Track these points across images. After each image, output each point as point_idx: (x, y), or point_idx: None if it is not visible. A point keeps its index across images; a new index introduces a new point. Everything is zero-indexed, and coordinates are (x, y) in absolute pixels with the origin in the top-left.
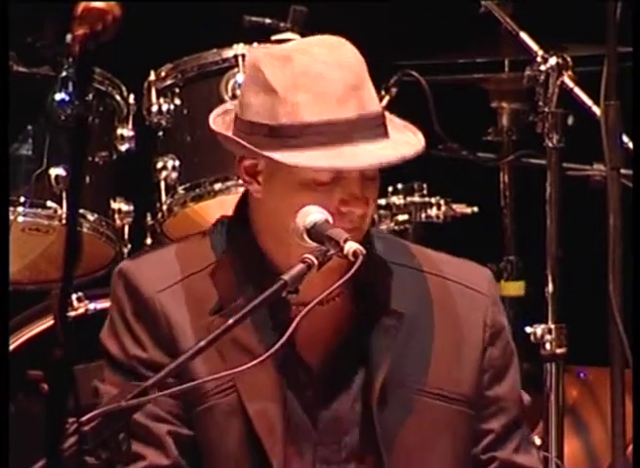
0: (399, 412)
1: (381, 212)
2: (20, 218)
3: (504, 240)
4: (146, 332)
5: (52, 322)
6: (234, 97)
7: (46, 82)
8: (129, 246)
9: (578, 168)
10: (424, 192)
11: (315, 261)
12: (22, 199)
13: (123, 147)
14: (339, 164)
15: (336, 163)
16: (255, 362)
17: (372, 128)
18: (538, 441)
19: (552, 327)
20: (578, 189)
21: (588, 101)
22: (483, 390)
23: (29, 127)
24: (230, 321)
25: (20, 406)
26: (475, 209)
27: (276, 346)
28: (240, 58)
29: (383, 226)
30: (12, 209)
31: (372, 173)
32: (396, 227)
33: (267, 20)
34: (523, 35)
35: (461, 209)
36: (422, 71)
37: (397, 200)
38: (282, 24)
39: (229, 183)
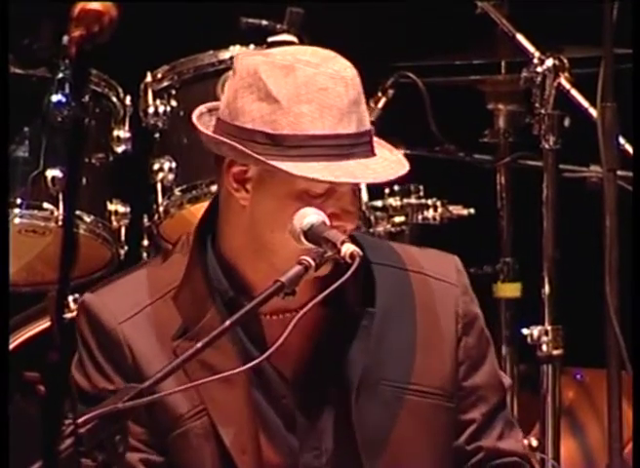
0: (377, 412)
1: (378, 213)
2: (17, 220)
3: (501, 242)
4: (111, 364)
5: (48, 323)
6: None
7: (42, 83)
8: (125, 247)
9: (574, 169)
10: (421, 194)
11: (312, 263)
12: (19, 200)
13: (119, 149)
14: (343, 179)
15: (340, 177)
16: (240, 369)
17: (366, 144)
18: (534, 442)
19: (549, 328)
20: (574, 191)
21: (585, 103)
22: (461, 381)
23: (26, 128)
24: (228, 323)
25: (16, 407)
26: (472, 210)
27: (267, 353)
28: None
29: (380, 228)
30: (8, 210)
31: (357, 188)
32: (392, 229)
33: (264, 22)
34: (519, 37)
35: (458, 210)
36: (419, 73)
37: (394, 201)
38: (278, 26)
39: None
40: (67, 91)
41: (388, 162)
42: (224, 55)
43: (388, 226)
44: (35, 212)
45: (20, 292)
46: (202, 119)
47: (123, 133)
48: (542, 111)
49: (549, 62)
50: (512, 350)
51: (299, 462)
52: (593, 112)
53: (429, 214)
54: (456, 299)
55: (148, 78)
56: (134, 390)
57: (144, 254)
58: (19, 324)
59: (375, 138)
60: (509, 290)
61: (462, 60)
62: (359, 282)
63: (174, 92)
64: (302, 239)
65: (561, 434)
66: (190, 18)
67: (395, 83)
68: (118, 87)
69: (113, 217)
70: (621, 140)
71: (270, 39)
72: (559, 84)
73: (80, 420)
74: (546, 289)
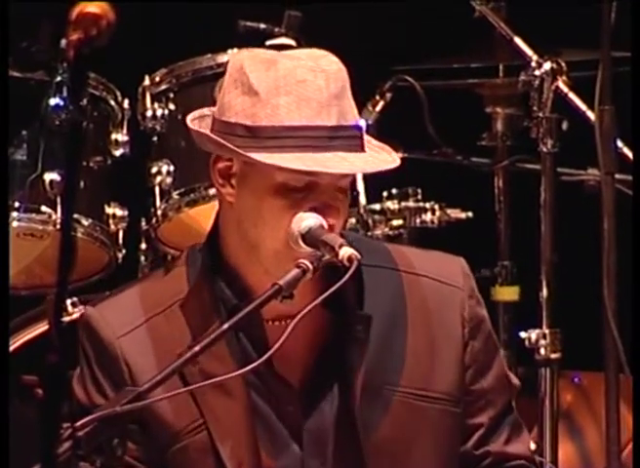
0: (382, 418)
1: (376, 217)
2: (15, 223)
3: (499, 245)
4: (108, 379)
5: (46, 327)
6: None
7: (40, 87)
8: (123, 251)
9: (572, 173)
10: (419, 197)
11: (310, 266)
12: (17, 204)
13: (117, 152)
14: (314, 168)
15: (312, 167)
16: (238, 372)
17: (349, 138)
18: (532, 445)
19: (547, 332)
20: (572, 194)
21: (583, 106)
22: (468, 386)
23: (24, 132)
24: (226, 326)
25: (14, 410)
26: (470, 214)
27: (266, 356)
28: None
29: (378, 231)
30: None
31: (344, 184)
32: (390, 232)
33: (262, 25)
34: (517, 40)
35: (456, 214)
36: (417, 76)
37: (392, 205)
38: (277, 29)
39: None
40: (65, 94)
41: (374, 159)
42: (222, 58)
43: (386, 229)
44: (33, 215)
45: (18, 296)
46: (205, 121)
47: (121, 136)
48: (540, 114)
49: (547, 66)
50: (510, 353)
51: None
52: (591, 115)
53: (427, 217)
54: (462, 303)
55: (146, 81)
56: (132, 393)
57: (142, 258)
58: (17, 327)
59: (377, 143)
60: (507, 293)
61: (460, 64)
62: (358, 286)
63: (172, 95)
64: (301, 242)
65: (559, 437)
66: (188, 21)
67: (393, 86)
68: (116, 90)
69: (111, 221)
70: (619, 144)
71: (268, 42)
72: (557, 87)
73: (78, 424)
74: (544, 292)
